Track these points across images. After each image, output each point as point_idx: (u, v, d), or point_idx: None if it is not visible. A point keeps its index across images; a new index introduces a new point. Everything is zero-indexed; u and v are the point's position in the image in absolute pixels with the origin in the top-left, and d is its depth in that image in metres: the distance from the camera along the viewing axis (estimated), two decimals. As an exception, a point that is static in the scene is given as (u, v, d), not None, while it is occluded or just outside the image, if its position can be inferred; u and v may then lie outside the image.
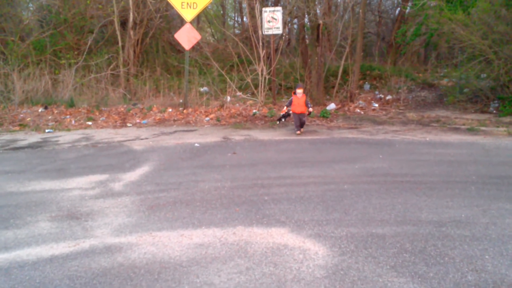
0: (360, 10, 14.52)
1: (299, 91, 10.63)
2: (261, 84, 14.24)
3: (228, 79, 14.89)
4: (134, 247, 4.54)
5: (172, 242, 4.65)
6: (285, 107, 10.94)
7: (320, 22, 13.74)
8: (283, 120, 11.29)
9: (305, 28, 15.70)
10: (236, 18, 29.56)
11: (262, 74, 14.16)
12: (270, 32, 14.09)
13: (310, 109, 10.78)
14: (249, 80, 14.38)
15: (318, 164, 7.82)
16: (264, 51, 14.12)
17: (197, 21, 23.47)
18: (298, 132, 10.74)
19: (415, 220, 5.08)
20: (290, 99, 10.82)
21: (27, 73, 16.04)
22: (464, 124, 11.30)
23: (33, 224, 5.27)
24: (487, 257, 4.14)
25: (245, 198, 6.00)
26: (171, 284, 3.76)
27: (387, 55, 21.75)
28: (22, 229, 5.12)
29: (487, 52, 11.89)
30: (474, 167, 7.29)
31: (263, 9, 14.21)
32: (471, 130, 10.60)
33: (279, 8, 14.38)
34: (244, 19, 25.37)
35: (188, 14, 13.73)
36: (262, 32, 14.14)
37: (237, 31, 26.46)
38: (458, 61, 15.64)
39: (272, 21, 14.13)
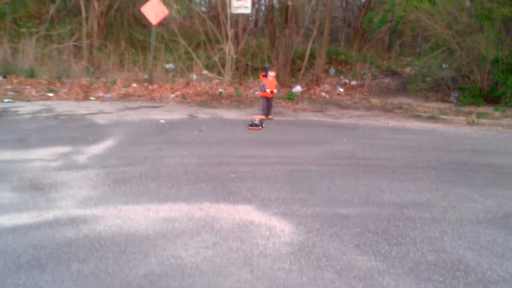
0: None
1: (272, 73, 10.18)
2: (228, 64, 14.15)
3: (194, 57, 14.72)
4: (100, 219, 4.50)
5: (138, 216, 4.63)
6: (256, 117, 9.51)
7: (289, 3, 13.71)
8: (263, 126, 9.31)
9: (273, 9, 15.64)
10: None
11: (229, 53, 14.07)
12: (238, 11, 13.97)
13: (275, 91, 10.26)
14: (216, 59, 14.27)
15: (284, 145, 7.89)
16: (232, 30, 14.00)
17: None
18: (271, 116, 10.34)
19: (378, 201, 5.21)
20: (262, 84, 10.20)
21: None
22: (425, 112, 11.59)
23: (-7, 193, 5.13)
24: (446, 238, 4.31)
25: (212, 175, 6.00)
26: (138, 256, 3.75)
27: (353, 41, 21.93)
28: (-17, 198, 4.98)
29: (450, 42, 12.18)
30: (435, 153, 7.51)
31: (233, -13, 14.06)
32: (432, 118, 10.89)
33: (249, -13, 14.25)
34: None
35: (156, -12, 13.46)
36: (230, 10, 14.01)
37: (203, 9, 26.09)
38: (422, 50, 15.97)
39: (241, 0, 14.00)
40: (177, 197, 5.17)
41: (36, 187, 5.38)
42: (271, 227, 4.44)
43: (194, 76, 15.10)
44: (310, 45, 15.10)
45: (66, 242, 4.00)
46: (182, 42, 15.45)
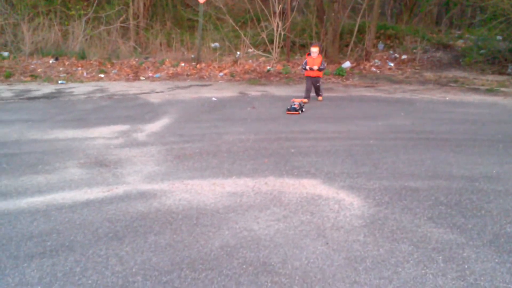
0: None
1: (314, 49, 9.34)
2: (276, 40, 14.01)
3: (242, 35, 14.63)
4: (168, 193, 4.55)
5: (205, 190, 4.65)
6: (296, 101, 8.52)
7: (339, -23, 13.41)
8: (303, 110, 8.42)
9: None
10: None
11: (277, 30, 13.91)
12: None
13: (315, 68, 9.27)
14: (264, 36, 14.14)
15: (339, 120, 7.78)
16: (279, 6, 13.82)
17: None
18: (307, 100, 9.29)
19: (447, 175, 5.06)
20: (304, 62, 9.47)
21: (37, 23, 15.78)
22: (483, 85, 11.18)
23: (62, 170, 5.27)
24: (523, 211, 4.14)
25: (272, 151, 5.98)
26: (211, 229, 3.77)
27: (401, 14, 21.28)
28: (53, 174, 5.12)
29: (509, 12, 11.63)
30: (498, 126, 7.24)
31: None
32: (490, 91, 10.49)
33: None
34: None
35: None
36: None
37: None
38: (477, 21, 15.33)
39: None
40: (241, 172, 5.17)
41: (102, 164, 5.49)
42: (339, 200, 4.38)
43: (241, 54, 15.02)
44: (359, 19, 14.74)
45: (139, 215, 4.05)
46: (229, 20, 15.35)
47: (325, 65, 9.73)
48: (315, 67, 9.19)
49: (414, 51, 15.70)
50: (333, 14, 13.95)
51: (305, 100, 9.07)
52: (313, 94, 9.54)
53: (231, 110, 8.65)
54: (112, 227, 3.81)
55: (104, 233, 3.71)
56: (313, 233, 3.70)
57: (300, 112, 8.15)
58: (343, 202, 4.32)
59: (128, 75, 13.19)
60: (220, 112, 8.47)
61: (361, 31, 15.49)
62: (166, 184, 4.80)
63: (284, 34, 14.24)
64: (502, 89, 10.72)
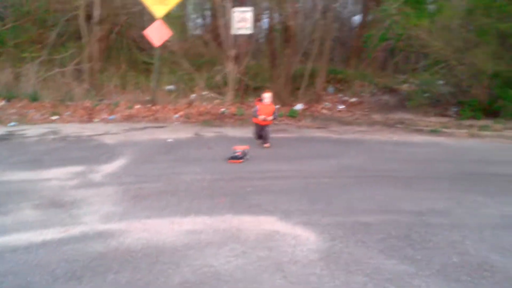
0: (328, 14, 14.85)
1: (267, 95, 8.80)
2: (230, 83, 14.33)
3: (197, 78, 14.90)
4: (126, 233, 4.56)
5: (164, 229, 4.70)
6: (238, 148, 7.82)
7: (291, 23, 13.96)
8: (247, 157, 7.76)
9: (274, 30, 15.89)
10: (199, 19, 29.40)
11: (231, 73, 14.25)
12: (240, 31, 14.18)
13: (269, 118, 8.84)
14: (218, 79, 14.44)
15: (294, 159, 8.00)
16: (233, 50, 14.21)
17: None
18: (267, 145, 8.94)
19: (397, 210, 5.32)
20: (254, 109, 8.92)
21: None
22: (427, 126, 11.76)
23: (17, 211, 5.20)
24: (468, 242, 4.41)
25: (228, 190, 6.09)
26: (171, 266, 3.82)
27: (348, 60, 22.23)
28: (7, 216, 5.05)
29: (450, 58, 12.42)
30: (444, 165, 7.64)
31: (234, 9, 14.27)
32: (434, 132, 11.05)
33: (250, 8, 14.47)
34: (207, 20, 25.27)
35: (159, 11, 13.67)
36: (231, 31, 14.22)
37: (198, 32, 26.43)
38: (421, 66, 16.23)
39: (242, 21, 14.23)
40: (199, 211, 5.25)
41: (58, 205, 5.44)
42: (296, 236, 4.52)
43: (196, 96, 15.23)
44: (310, 63, 15.30)
45: (97, 255, 4.06)
46: (184, 63, 15.61)
47: (277, 113, 9.18)
48: (269, 118, 8.75)
49: (363, 94, 16.36)
50: (285, 59, 14.43)
51: (247, 146, 8.02)
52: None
53: (187, 151, 8.74)
54: (69, 267, 3.80)
55: (61, 273, 3.70)
56: (271, 268, 3.81)
57: (243, 160, 7.50)
58: (300, 238, 4.47)
59: (82, 117, 13.10)
60: (176, 153, 8.54)
61: (312, 75, 16.05)
62: (124, 224, 4.82)
63: (239, 77, 14.58)
64: (445, 129, 11.31)
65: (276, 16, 15.25)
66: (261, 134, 8.91)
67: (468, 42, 12.22)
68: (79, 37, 17.83)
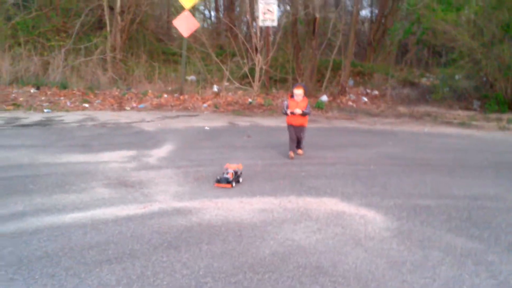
0: (354, 6, 15.08)
1: (298, 92, 7.34)
2: (257, 74, 14.58)
3: (222, 68, 15.16)
4: (202, 210, 4.84)
5: (236, 207, 4.97)
6: (231, 167, 5.94)
7: (317, 16, 14.19)
8: (240, 180, 5.99)
9: (298, 22, 16.13)
10: (215, 12, 29.65)
11: (258, 65, 14.50)
12: (266, 23, 14.43)
13: (297, 111, 7.36)
14: (246, 70, 14.70)
15: (334, 148, 8.27)
16: (261, 42, 14.46)
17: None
18: (292, 154, 7.47)
19: (450, 195, 5.58)
20: (285, 104, 7.56)
21: (16, 53, 15.83)
22: (455, 119, 12.02)
23: (90, 190, 5.47)
24: (527, 223, 4.68)
25: (283, 174, 6.36)
26: (256, 240, 4.09)
27: (366, 53, 22.47)
28: (83, 193, 5.32)
29: (476, 52, 12.65)
30: (482, 155, 7.90)
31: (259, 1, 14.51)
32: (463, 124, 11.31)
33: (275, 0, 14.71)
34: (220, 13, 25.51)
35: (187, 2, 13.92)
36: (257, 23, 14.47)
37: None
38: (445, 60, 16.47)
39: (268, 13, 14.47)
40: (263, 192, 5.51)
41: (126, 184, 5.72)
42: (362, 216, 4.79)
43: (215, 87, 15.49)
44: (333, 56, 15.55)
45: (184, 228, 4.33)
46: (211, 53, 15.87)
47: (310, 109, 7.56)
48: (298, 111, 7.26)
49: (384, 87, 16.60)
50: (310, 51, 14.68)
51: (240, 166, 6.07)
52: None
53: (228, 138, 9.01)
54: (163, 238, 4.08)
55: (158, 244, 3.97)
56: (350, 243, 4.08)
57: (233, 184, 5.73)
58: (367, 217, 4.74)
59: (112, 105, 13.38)
60: (218, 140, 8.81)
61: (335, 67, 16.31)
62: (196, 202, 5.09)
63: (264, 69, 14.83)
64: (473, 122, 11.57)
65: (300, 8, 15.46)
66: (297, 136, 7.48)
67: (494, 36, 12.44)
68: (102, 27, 18.11)
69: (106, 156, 7.24)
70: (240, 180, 5.90)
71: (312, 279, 3.37)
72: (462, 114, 12.90)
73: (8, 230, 4.19)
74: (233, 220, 4.57)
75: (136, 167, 6.57)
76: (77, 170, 6.34)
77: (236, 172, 5.86)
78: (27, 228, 4.24)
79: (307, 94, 7.56)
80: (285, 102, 7.58)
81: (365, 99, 15.22)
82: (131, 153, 7.48)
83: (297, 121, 7.39)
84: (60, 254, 3.70)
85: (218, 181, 5.73)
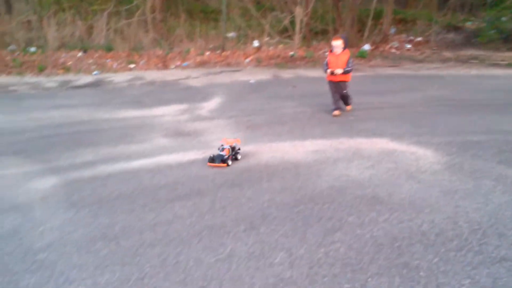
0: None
1: (337, 43, 6.55)
2: (297, 27, 14.54)
3: (262, 23, 15.18)
4: (259, 153, 5.10)
5: (290, 150, 5.21)
6: (226, 142, 5.03)
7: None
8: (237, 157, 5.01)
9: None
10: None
11: (298, 17, 14.44)
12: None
13: (337, 71, 6.58)
14: (287, 23, 14.69)
15: (380, 93, 8.34)
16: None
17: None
18: (337, 112, 6.83)
19: (500, 131, 5.65)
20: (325, 61, 6.86)
21: (61, 19, 16.30)
22: (503, 60, 11.77)
23: (151, 140, 5.82)
24: None
25: (332, 119, 6.55)
26: (313, 176, 4.34)
27: (408, 0, 21.89)
28: (145, 143, 5.67)
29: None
30: (532, 94, 7.83)
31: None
32: (511, 65, 11.07)
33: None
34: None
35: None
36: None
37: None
38: (490, 1, 15.95)
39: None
40: (314, 135, 5.73)
41: (183, 134, 6.04)
42: (413, 152, 4.95)
43: (256, 43, 15.54)
44: (374, 4, 15.28)
45: (243, 169, 4.62)
46: (251, 9, 15.87)
47: (352, 64, 6.77)
48: (339, 71, 6.55)
49: (427, 33, 16.26)
50: (350, 0, 14.49)
51: (238, 140, 5.19)
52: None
53: (273, 89, 9.19)
54: (225, 178, 4.38)
55: (221, 183, 4.27)
56: (403, 176, 4.27)
57: (229, 163, 4.80)
58: (417, 153, 4.90)
59: (157, 64, 13.69)
60: (264, 91, 9.01)
61: (376, 16, 16.03)
62: (252, 146, 5.36)
63: (305, 21, 14.75)
64: (523, 63, 11.34)
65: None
66: (340, 94, 6.85)
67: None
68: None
69: (159, 110, 7.57)
70: (239, 157, 4.97)
71: (370, 207, 3.60)
72: (509, 55, 12.58)
73: (84, 176, 4.58)
74: (288, 161, 4.81)
75: (190, 119, 6.88)
76: (135, 124, 6.70)
77: (233, 148, 4.98)
78: (100, 174, 4.61)
79: (348, 45, 6.83)
80: (325, 60, 6.85)
81: (409, 45, 14.98)
82: (183, 106, 7.78)
83: (336, 77, 6.67)
84: (134, 194, 4.05)
85: (212, 160, 4.80)
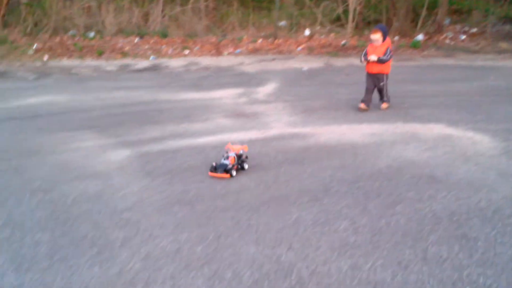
0: None
1: (375, 36, 6.35)
2: (350, 15, 14.57)
3: (317, 11, 15.29)
4: (316, 135, 5.31)
5: (347, 132, 5.40)
6: (232, 150, 4.29)
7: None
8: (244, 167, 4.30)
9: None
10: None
11: (351, 6, 14.47)
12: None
13: (372, 58, 6.33)
14: (340, 12, 14.75)
15: (435, 82, 8.37)
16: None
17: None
18: (363, 105, 6.47)
19: (559, 120, 5.65)
20: (364, 52, 6.60)
21: (119, 5, 16.88)
22: None
23: (212, 120, 6.12)
24: None
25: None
26: (371, 157, 4.52)
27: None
28: (207, 123, 5.97)
29: None
30: None
31: None
32: None
33: None
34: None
35: None
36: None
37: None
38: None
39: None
40: (369, 120, 5.88)
41: (242, 115, 6.32)
42: (470, 137, 5.05)
43: (307, 32, 15.66)
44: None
45: (303, 148, 4.85)
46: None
47: (390, 55, 6.36)
48: (373, 57, 6.28)
49: (482, 24, 15.94)
50: (405, -11, 14.40)
51: (246, 147, 4.40)
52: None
53: (326, 77, 9.35)
54: (286, 156, 4.61)
55: (282, 160, 4.51)
56: (460, 158, 4.40)
57: (233, 173, 4.12)
58: (474, 139, 4.99)
59: (210, 51, 14.03)
60: (317, 78, 9.18)
61: (430, 6, 15.84)
62: (309, 129, 5.57)
63: (358, 10, 14.75)
64: None
65: None
66: (378, 87, 6.57)
67: None
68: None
69: (217, 93, 7.87)
70: (246, 166, 4.29)
71: (428, 186, 3.76)
72: None
73: (154, 149, 4.92)
74: (346, 142, 5.01)
75: (247, 102, 7.15)
76: (196, 105, 7.02)
77: (240, 156, 4.28)
78: (169, 148, 4.94)
79: (387, 35, 6.46)
80: (365, 50, 6.60)
81: (463, 36, 14.76)
82: (239, 90, 8.06)
83: (374, 68, 6.42)
84: (203, 167, 4.33)
85: (214, 169, 4.14)
